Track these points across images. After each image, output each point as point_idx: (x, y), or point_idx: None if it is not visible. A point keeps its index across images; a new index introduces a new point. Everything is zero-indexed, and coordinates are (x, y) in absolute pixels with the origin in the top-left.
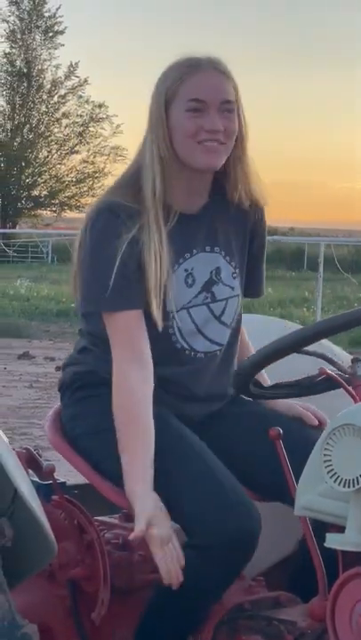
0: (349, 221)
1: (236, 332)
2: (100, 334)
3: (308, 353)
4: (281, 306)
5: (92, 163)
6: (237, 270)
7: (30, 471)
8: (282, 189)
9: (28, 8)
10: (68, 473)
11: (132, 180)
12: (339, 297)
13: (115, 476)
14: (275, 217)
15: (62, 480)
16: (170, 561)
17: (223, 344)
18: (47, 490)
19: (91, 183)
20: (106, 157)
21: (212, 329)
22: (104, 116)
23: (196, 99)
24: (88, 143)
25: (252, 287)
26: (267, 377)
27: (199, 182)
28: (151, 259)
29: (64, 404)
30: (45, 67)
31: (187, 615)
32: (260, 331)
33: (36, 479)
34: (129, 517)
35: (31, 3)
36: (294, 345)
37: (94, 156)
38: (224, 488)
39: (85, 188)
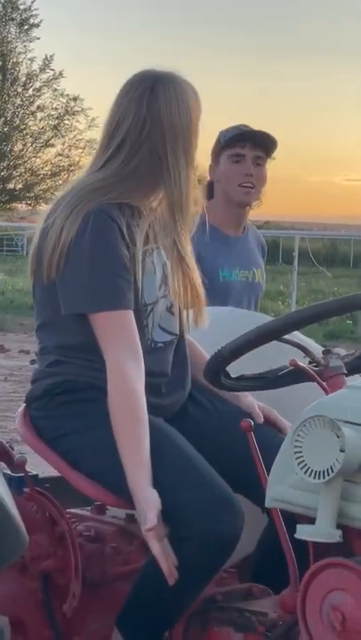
0: (324, 215)
1: (182, 322)
2: (71, 344)
3: (286, 341)
4: None
5: (68, 156)
6: None
7: (2, 464)
8: None
9: (2, 0)
10: (41, 466)
11: (141, 180)
12: (314, 290)
13: (99, 471)
14: (251, 211)
15: (34, 473)
16: (168, 555)
17: (176, 334)
18: (19, 482)
19: (66, 176)
20: (81, 150)
21: (166, 320)
22: (79, 109)
23: None
24: (63, 136)
25: None
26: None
27: None
28: (138, 258)
29: (36, 409)
30: (20, 60)
31: (167, 607)
32: (232, 322)
33: (8, 472)
34: (101, 510)
35: None
36: (273, 333)
37: (69, 150)
38: (207, 481)
39: (60, 182)
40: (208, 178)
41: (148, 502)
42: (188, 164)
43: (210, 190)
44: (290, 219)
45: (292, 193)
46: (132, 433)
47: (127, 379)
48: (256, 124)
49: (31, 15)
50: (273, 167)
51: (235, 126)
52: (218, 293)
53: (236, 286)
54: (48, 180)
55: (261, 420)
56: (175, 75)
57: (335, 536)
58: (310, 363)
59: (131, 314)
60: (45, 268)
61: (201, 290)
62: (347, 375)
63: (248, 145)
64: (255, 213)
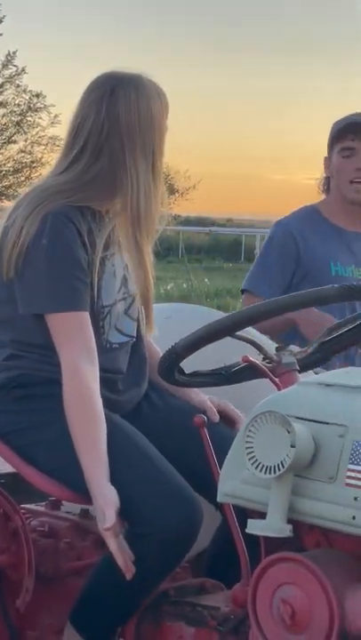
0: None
1: (139, 324)
2: (29, 341)
3: (239, 338)
4: (218, 296)
5: (30, 152)
6: None
7: None
8: (220, 181)
9: None
10: None
11: (100, 183)
12: None
13: (54, 466)
14: (213, 209)
15: None
16: (125, 551)
17: (132, 336)
18: None
19: (28, 173)
20: (44, 147)
21: (123, 322)
22: (42, 106)
23: None
24: (26, 133)
25: None
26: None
27: None
28: (96, 261)
29: None
30: None
31: (121, 603)
32: (190, 318)
33: None
34: (55, 505)
35: None
36: (227, 329)
37: (32, 146)
38: (165, 478)
39: (23, 178)
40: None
41: (107, 500)
42: (148, 168)
43: (327, 184)
44: (252, 217)
45: (253, 191)
46: (88, 430)
47: (82, 378)
48: (215, 123)
49: None
50: (234, 166)
51: (347, 116)
52: None
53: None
54: (10, 177)
55: (217, 418)
56: (139, 77)
57: (286, 531)
58: (264, 359)
59: (86, 315)
60: (5, 267)
61: (151, 297)
62: (300, 372)
63: (359, 137)
64: (217, 211)
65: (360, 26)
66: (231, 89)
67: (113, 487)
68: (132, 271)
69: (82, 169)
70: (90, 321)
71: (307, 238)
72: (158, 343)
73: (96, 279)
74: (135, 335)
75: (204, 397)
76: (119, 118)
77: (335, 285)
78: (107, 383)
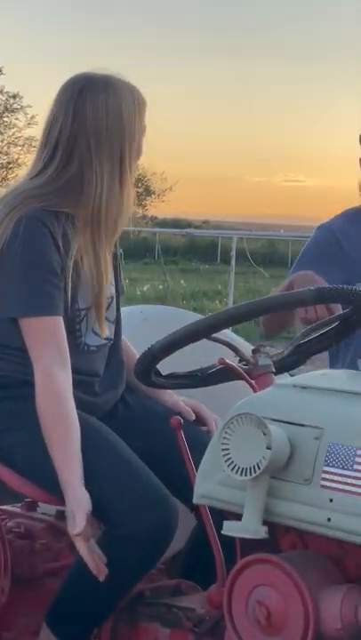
0: (264, 215)
1: (118, 326)
2: (5, 343)
3: (216, 340)
4: (194, 298)
5: (7, 153)
6: (114, 272)
7: None
8: (197, 183)
9: None
10: None
11: (68, 186)
12: (251, 290)
13: (29, 469)
14: (189, 210)
15: None
16: (95, 554)
17: (111, 338)
18: None
19: (5, 174)
20: (20, 148)
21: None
22: (18, 107)
23: None
24: (2, 134)
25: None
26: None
27: None
28: (86, 265)
29: None
30: None
31: (97, 604)
32: (166, 320)
33: None
34: (31, 506)
35: None
36: (204, 331)
37: (8, 147)
38: (142, 479)
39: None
40: None
41: (79, 503)
42: (115, 170)
43: None
44: (229, 219)
45: (231, 193)
46: (61, 434)
47: (55, 383)
48: (192, 124)
49: None
50: (213, 168)
51: None
52: None
53: None
54: None
55: (193, 416)
56: (111, 78)
57: (261, 532)
58: (240, 361)
59: (60, 320)
60: None
61: (103, 302)
62: (275, 374)
63: None
64: (194, 213)
65: (333, 27)
66: (209, 90)
67: (86, 491)
68: (89, 273)
69: (54, 172)
70: (63, 325)
71: (351, 236)
72: (135, 345)
73: (70, 283)
74: (113, 338)
75: (178, 399)
76: (86, 119)
77: (311, 288)
78: (83, 385)
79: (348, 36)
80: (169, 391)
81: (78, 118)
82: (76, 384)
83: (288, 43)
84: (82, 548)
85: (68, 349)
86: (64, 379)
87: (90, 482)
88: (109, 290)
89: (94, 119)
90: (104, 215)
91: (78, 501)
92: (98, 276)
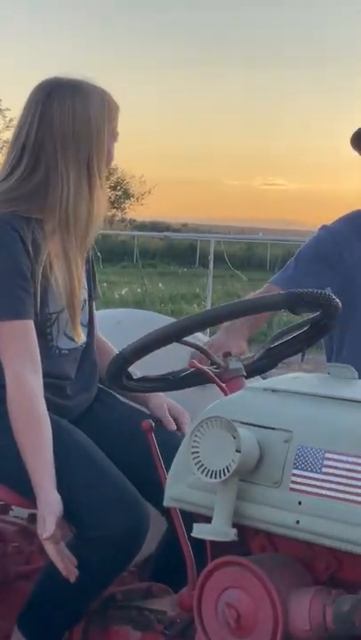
0: (242, 218)
1: (91, 330)
2: None
3: (186, 344)
4: (172, 302)
5: None
6: (86, 275)
7: None
8: (177, 186)
9: None
10: None
11: (35, 191)
12: (229, 293)
13: (2, 472)
14: (168, 213)
15: None
16: (65, 556)
17: (83, 341)
18: None
19: None
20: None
21: (71, 329)
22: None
23: None
24: None
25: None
26: (137, 371)
27: None
28: (56, 268)
29: None
30: None
31: (69, 607)
32: (139, 324)
33: None
34: (4, 510)
35: None
36: (175, 335)
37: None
38: (113, 483)
39: None
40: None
41: (50, 507)
42: (82, 174)
43: None
44: (208, 222)
45: (210, 196)
46: (32, 438)
47: (27, 387)
48: (174, 128)
49: None
50: (192, 171)
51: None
52: None
53: None
54: None
55: (173, 427)
56: (81, 83)
57: (231, 535)
58: (211, 364)
59: (31, 323)
60: None
61: (77, 305)
62: (246, 377)
63: None
64: (172, 216)
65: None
66: (189, 95)
67: (57, 494)
68: (60, 278)
69: (20, 177)
70: (34, 329)
71: (351, 243)
72: None
73: (39, 288)
74: (85, 341)
75: (163, 400)
76: (52, 122)
77: (281, 292)
78: (55, 389)
79: (320, 36)
80: (159, 394)
81: (45, 122)
82: (48, 387)
83: (263, 46)
84: (51, 550)
85: (39, 353)
86: (35, 382)
87: (61, 485)
88: (82, 293)
89: (61, 123)
90: (72, 219)
91: (49, 505)
92: (70, 280)
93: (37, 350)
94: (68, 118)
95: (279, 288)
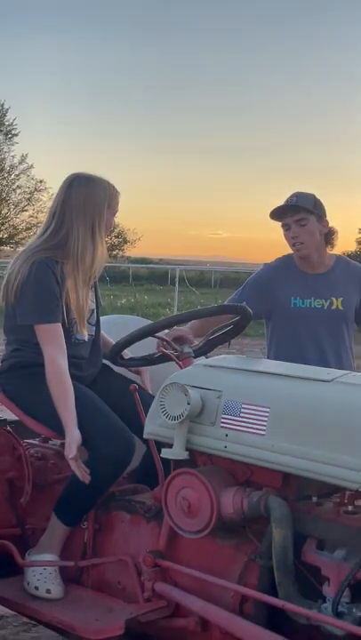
0: (196, 255)
1: (97, 328)
2: (27, 340)
3: (157, 337)
4: (153, 307)
5: (36, 217)
6: (94, 293)
7: None
8: (156, 235)
9: None
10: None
11: (59, 245)
12: (188, 302)
13: (43, 417)
14: (151, 252)
15: (3, 417)
16: (81, 469)
17: (92, 334)
18: None
19: (36, 230)
20: (44, 214)
21: (87, 326)
22: (43, 188)
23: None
24: (33, 205)
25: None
26: (128, 353)
27: None
28: (76, 293)
29: (5, 378)
30: (6, 156)
31: (87, 499)
32: (128, 324)
33: None
34: (45, 440)
35: None
36: (150, 331)
37: (37, 213)
38: (110, 422)
39: (32, 234)
40: None
41: (72, 438)
42: (87, 233)
43: None
44: (175, 257)
45: (177, 241)
46: (62, 395)
47: (58, 366)
48: (157, 199)
49: (12, 129)
50: (166, 225)
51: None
52: (290, 317)
53: (307, 312)
54: (24, 232)
55: (149, 389)
56: (91, 175)
57: (184, 455)
58: (173, 349)
59: (59, 326)
60: (10, 296)
61: (84, 316)
62: (194, 357)
63: (284, 218)
64: (153, 254)
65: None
66: (165, 177)
67: (78, 430)
68: (74, 300)
69: (51, 234)
70: (61, 328)
71: (278, 279)
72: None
73: (64, 305)
74: (94, 334)
75: (147, 376)
76: (71, 201)
77: (215, 305)
78: (75, 365)
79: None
80: (145, 372)
81: (66, 200)
82: (71, 364)
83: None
84: (72, 465)
85: (65, 343)
86: (63, 362)
87: (80, 423)
88: (90, 305)
89: (76, 202)
90: (81, 264)
91: (72, 437)
92: (78, 302)
93: (64, 342)
94: (80, 199)
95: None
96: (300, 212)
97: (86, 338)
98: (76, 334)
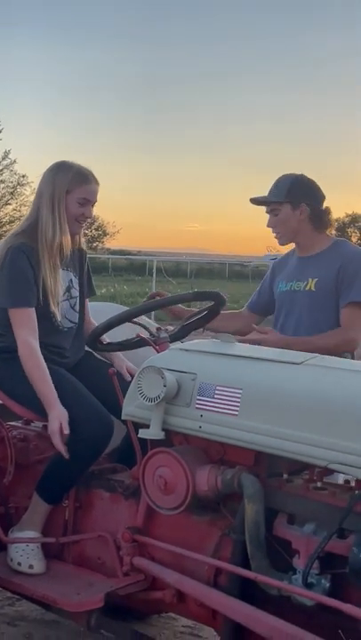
0: (173, 247)
1: (82, 315)
2: (8, 325)
3: (135, 322)
4: (132, 297)
5: (19, 211)
6: (79, 281)
7: None
8: (135, 228)
9: None
10: None
11: (32, 229)
12: (165, 291)
13: (25, 400)
14: (129, 244)
15: None
16: (63, 445)
17: (76, 322)
18: None
19: (18, 223)
20: (27, 208)
21: (70, 314)
22: (25, 182)
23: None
24: (16, 199)
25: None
26: (106, 338)
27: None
28: (47, 276)
29: None
30: None
31: (67, 478)
32: (109, 312)
33: None
34: (27, 423)
35: None
36: (128, 317)
37: (20, 207)
38: (90, 404)
39: (15, 226)
40: None
41: (60, 414)
42: (50, 220)
43: None
44: (153, 249)
45: (155, 234)
46: (38, 374)
47: (30, 347)
48: (135, 193)
49: None
50: (143, 218)
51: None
52: (277, 301)
53: (288, 295)
54: (7, 225)
55: (128, 377)
56: (63, 162)
57: (161, 435)
58: (150, 335)
59: (32, 311)
60: None
61: (57, 297)
62: (171, 342)
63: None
64: (132, 245)
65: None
66: (145, 174)
67: (61, 406)
68: (49, 282)
69: (26, 220)
70: (34, 313)
71: (278, 269)
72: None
73: (40, 289)
74: (77, 322)
75: (122, 360)
76: (39, 187)
77: (190, 292)
78: (58, 353)
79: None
80: (119, 356)
81: (38, 187)
82: (54, 353)
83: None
84: (54, 439)
85: (37, 327)
86: (34, 343)
87: (62, 405)
88: (73, 292)
89: (41, 187)
90: (47, 248)
91: (59, 412)
92: (54, 282)
93: (36, 325)
94: (44, 183)
95: (248, 309)
96: (270, 204)
97: (71, 325)
98: (61, 321)
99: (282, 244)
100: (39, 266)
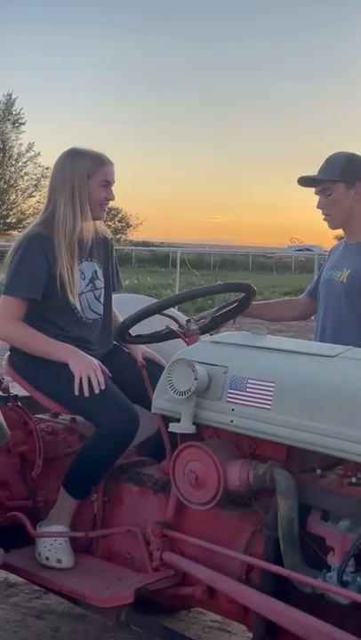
0: (197, 238)
1: (108, 307)
2: (34, 315)
3: (164, 314)
4: (155, 288)
5: (43, 203)
6: (103, 272)
7: None
8: (158, 219)
9: (2, 108)
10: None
11: (48, 221)
12: (189, 283)
13: (53, 393)
14: (153, 236)
15: (14, 393)
16: (86, 372)
17: (101, 314)
18: (4, 399)
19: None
20: None
21: (95, 305)
22: (49, 175)
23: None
24: (40, 191)
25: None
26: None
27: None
28: (64, 267)
29: (16, 354)
30: (14, 144)
31: (95, 472)
32: (134, 303)
33: None
34: (55, 415)
35: (4, 105)
36: (157, 309)
37: (44, 199)
38: (116, 398)
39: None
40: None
41: (91, 362)
42: (69, 208)
43: None
44: (176, 241)
45: (178, 225)
46: (38, 342)
47: (9, 330)
48: (157, 185)
49: (20, 117)
50: (166, 209)
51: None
52: (319, 291)
53: (326, 284)
54: (31, 217)
55: (141, 363)
56: (75, 148)
57: (191, 429)
58: (179, 327)
59: (22, 299)
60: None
61: (74, 287)
62: (200, 334)
63: (314, 185)
64: (155, 237)
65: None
66: (163, 165)
67: (85, 354)
68: (65, 273)
69: (44, 211)
70: (24, 304)
71: (330, 254)
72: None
73: (58, 281)
74: (102, 314)
75: (137, 351)
76: (54, 176)
77: (221, 283)
78: (84, 346)
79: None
80: (143, 348)
81: (52, 176)
82: (80, 345)
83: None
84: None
85: (20, 318)
86: (15, 323)
87: (83, 400)
88: (98, 283)
89: (56, 175)
90: (63, 236)
91: (83, 359)
92: (72, 273)
93: (21, 316)
94: (59, 171)
95: (307, 295)
96: (323, 183)
97: (96, 317)
98: (84, 312)
99: (333, 227)
100: (55, 257)
